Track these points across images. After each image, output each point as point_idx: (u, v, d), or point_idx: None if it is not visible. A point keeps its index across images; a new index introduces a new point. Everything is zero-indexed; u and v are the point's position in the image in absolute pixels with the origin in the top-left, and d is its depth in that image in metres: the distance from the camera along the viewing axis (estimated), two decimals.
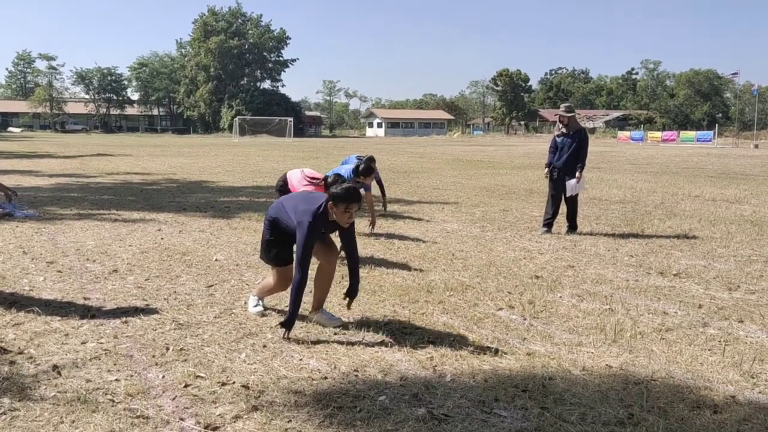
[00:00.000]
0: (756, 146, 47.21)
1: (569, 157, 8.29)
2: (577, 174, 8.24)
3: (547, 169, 8.59)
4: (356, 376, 3.52)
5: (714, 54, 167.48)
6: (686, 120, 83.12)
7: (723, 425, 2.96)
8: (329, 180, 5.65)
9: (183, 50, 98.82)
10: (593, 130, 79.25)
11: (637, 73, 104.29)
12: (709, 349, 4.01)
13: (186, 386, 3.34)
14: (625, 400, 3.21)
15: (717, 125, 63.99)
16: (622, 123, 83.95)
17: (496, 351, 3.93)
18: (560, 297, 5.23)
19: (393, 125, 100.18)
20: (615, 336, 4.22)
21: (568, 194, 8.35)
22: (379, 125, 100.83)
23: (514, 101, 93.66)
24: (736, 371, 3.63)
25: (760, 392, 3.36)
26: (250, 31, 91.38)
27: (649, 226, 9.01)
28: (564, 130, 8.37)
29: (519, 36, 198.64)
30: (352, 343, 4.03)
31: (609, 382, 3.45)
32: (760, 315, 4.76)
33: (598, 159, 28.13)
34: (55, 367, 3.55)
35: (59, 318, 4.43)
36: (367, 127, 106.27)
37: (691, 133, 58.71)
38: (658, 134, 61.46)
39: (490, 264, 6.46)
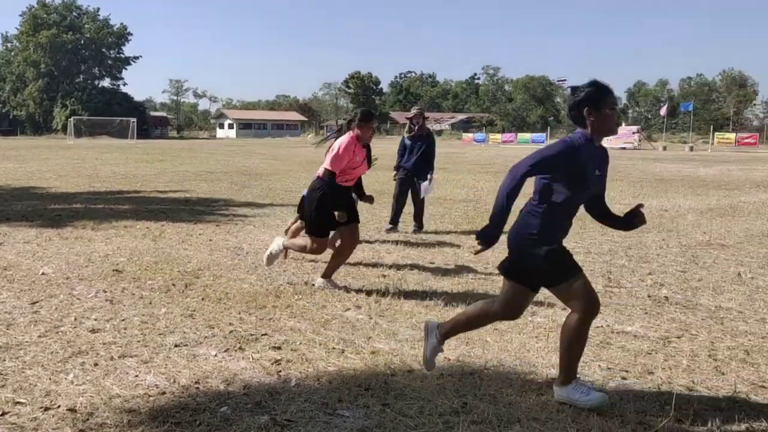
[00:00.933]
0: None
1: (418, 159, 8.62)
2: (429, 176, 8.60)
3: (395, 172, 8.86)
4: (197, 388, 3.40)
5: (547, 61, 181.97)
6: (523, 122, 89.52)
7: (546, 406, 3.22)
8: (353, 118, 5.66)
9: (9, 44, 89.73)
10: (440, 132, 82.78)
11: (479, 78, 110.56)
12: (535, 336, 4.34)
13: (3, 414, 3.03)
14: (460, 390, 3.39)
15: (549, 127, 69.51)
16: (466, 125, 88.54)
17: (342, 352, 3.98)
18: (405, 295, 5.40)
19: (245, 126, 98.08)
20: None
21: (421, 195, 8.67)
22: (231, 126, 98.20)
23: (366, 103, 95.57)
24: (557, 355, 3.94)
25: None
26: (86, 26, 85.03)
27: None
28: (414, 132, 8.69)
29: (370, 39, 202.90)
30: (194, 355, 3.89)
31: (447, 374, 3.62)
32: None
33: (444, 160, 29.42)
34: None
35: None
36: (217, 128, 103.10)
37: (527, 135, 63.25)
38: (499, 136, 65.66)
39: None
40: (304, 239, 5.72)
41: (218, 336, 4.24)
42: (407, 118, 9.02)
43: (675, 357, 3.96)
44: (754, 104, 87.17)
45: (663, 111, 61.60)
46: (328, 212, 5.39)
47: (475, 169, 22.79)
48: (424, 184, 8.59)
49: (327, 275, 5.59)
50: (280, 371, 3.65)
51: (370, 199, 6.04)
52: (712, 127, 57.55)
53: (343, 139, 5.50)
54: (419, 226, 8.80)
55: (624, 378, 3.63)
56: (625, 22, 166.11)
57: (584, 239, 8.28)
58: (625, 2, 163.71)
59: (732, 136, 53.27)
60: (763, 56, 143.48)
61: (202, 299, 5.13)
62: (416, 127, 8.69)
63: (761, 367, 3.82)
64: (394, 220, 8.75)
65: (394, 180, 8.93)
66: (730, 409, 3.23)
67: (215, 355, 3.88)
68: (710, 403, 3.29)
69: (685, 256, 7.21)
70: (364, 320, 4.68)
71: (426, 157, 8.65)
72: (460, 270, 6.39)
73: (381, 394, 3.34)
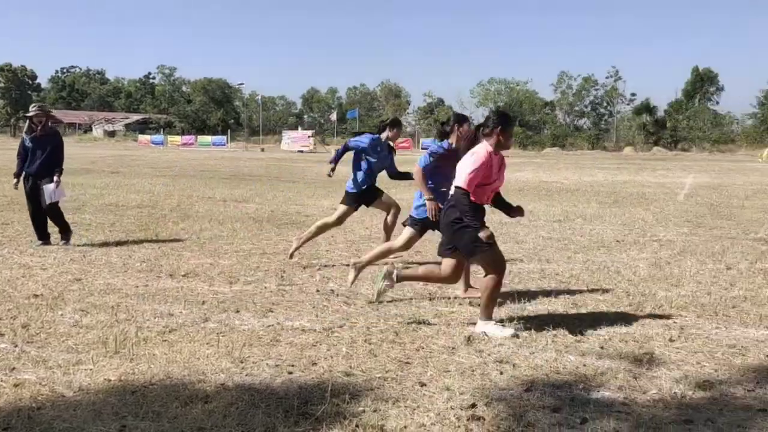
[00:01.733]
0: (262, 150, 53.28)
1: (43, 162, 7.73)
2: (55, 178, 7.72)
3: (16, 179, 7.90)
4: None
5: (224, 65, 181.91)
6: (203, 125, 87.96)
7: (212, 413, 3.17)
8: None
9: None
10: (113, 134, 77.03)
11: (154, 78, 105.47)
12: (207, 343, 4.27)
13: None
14: (120, 412, 3.14)
15: (230, 131, 69.78)
16: (143, 127, 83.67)
17: None
18: (61, 315, 4.85)
19: None
20: (117, 347, 4.12)
21: (47, 201, 7.73)
22: None
23: (21, 100, 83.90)
24: (228, 359, 3.95)
25: (247, 375, 3.72)
26: None
27: (163, 230, 9.18)
28: (36, 132, 7.77)
29: (21, 29, 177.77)
30: None
31: (105, 397, 3.33)
32: (253, 303, 5.31)
33: (117, 163, 27.51)
34: None
35: None
36: None
37: (208, 138, 62.65)
38: (178, 138, 63.64)
39: None
40: (435, 266, 5.01)
41: None
42: (26, 117, 7.98)
43: (336, 346, 4.27)
44: (408, 112, 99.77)
45: (333, 117, 66.65)
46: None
47: (151, 173, 21.70)
48: (49, 188, 7.67)
49: (490, 315, 4.63)
50: None
51: (520, 211, 4.94)
52: None
53: (480, 150, 4.57)
54: (65, 234, 7.90)
55: (290, 372, 3.77)
56: (300, 31, 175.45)
57: (260, 240, 8.48)
58: (287, 13, 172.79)
59: None
60: (413, 71, 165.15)
61: None
62: (38, 127, 7.77)
63: (407, 345, 4.33)
64: (42, 235, 7.80)
65: (15, 188, 7.98)
66: (380, 387, 3.59)
67: None
68: (364, 385, 3.62)
69: (350, 250, 7.88)
70: (7, 349, 4.05)
71: (52, 160, 7.80)
72: (129, 281, 5.98)
73: None
